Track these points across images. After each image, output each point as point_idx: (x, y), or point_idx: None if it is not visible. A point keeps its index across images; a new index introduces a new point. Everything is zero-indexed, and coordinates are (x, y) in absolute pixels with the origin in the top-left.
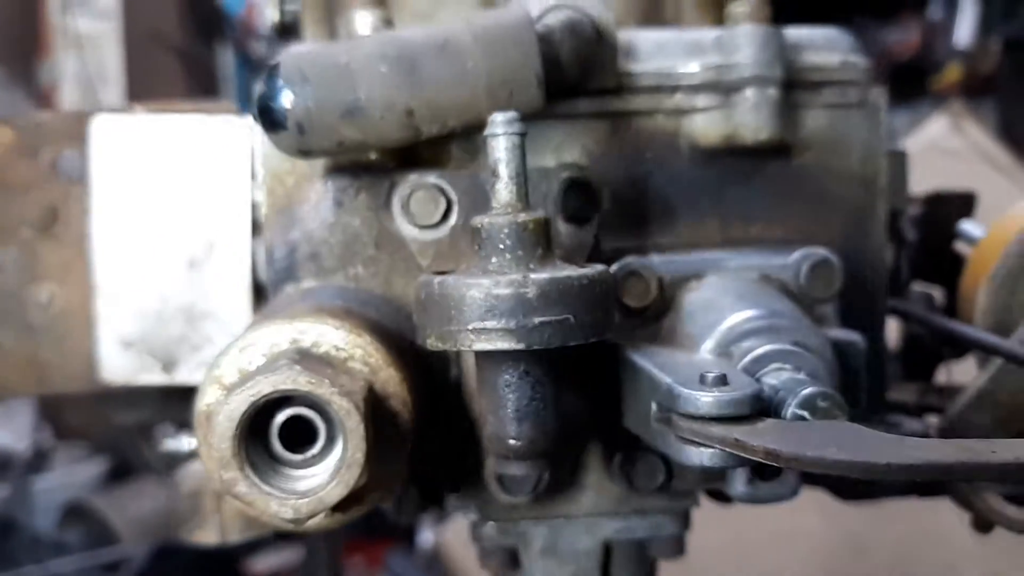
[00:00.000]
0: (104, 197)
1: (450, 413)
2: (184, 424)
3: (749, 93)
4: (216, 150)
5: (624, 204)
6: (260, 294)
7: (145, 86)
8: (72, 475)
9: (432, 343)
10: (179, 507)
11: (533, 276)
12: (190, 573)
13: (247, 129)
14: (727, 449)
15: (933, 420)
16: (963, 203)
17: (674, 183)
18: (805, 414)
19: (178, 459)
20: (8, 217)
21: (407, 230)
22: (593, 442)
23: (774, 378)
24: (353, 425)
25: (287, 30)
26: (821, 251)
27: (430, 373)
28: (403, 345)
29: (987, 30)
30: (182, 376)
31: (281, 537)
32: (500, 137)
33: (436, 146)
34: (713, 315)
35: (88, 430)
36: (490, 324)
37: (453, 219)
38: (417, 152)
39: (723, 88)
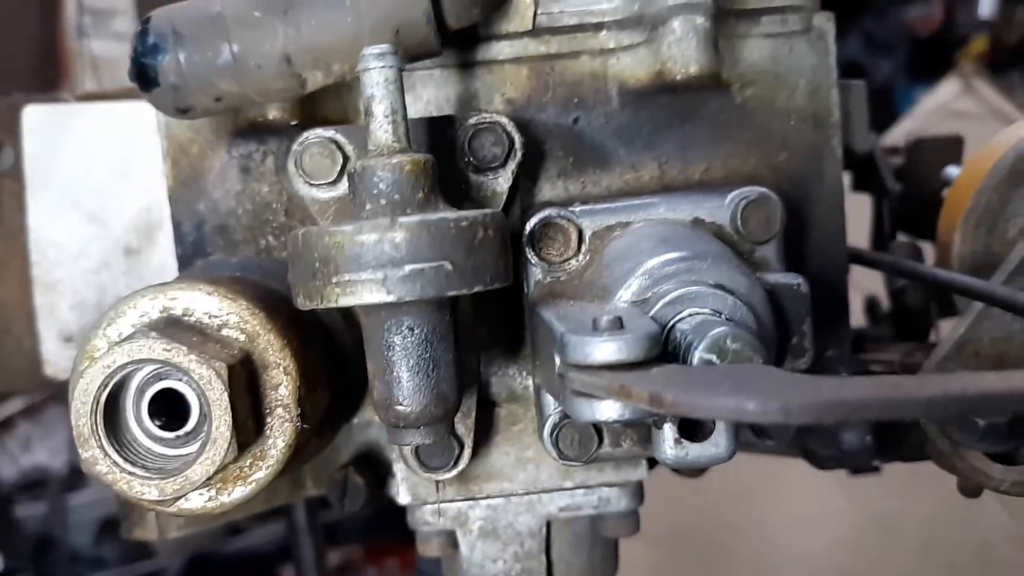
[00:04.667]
0: (38, 188)
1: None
2: None
3: (676, 24)
4: (143, 134)
5: (552, 154)
6: None
7: None
8: (107, 491)
9: (301, 302)
10: (119, 506)
11: (402, 220)
12: None
13: None
14: (614, 399)
15: None
16: (950, 148)
17: (605, 129)
18: (712, 358)
19: None
20: None
21: (304, 190)
22: (526, 410)
23: (687, 323)
24: (216, 396)
25: None
26: (758, 189)
27: (340, 346)
28: (302, 315)
29: None
30: None
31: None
32: (372, 71)
33: (341, 100)
34: (630, 262)
35: None
36: (354, 276)
37: None
38: (322, 109)
39: (648, 21)
